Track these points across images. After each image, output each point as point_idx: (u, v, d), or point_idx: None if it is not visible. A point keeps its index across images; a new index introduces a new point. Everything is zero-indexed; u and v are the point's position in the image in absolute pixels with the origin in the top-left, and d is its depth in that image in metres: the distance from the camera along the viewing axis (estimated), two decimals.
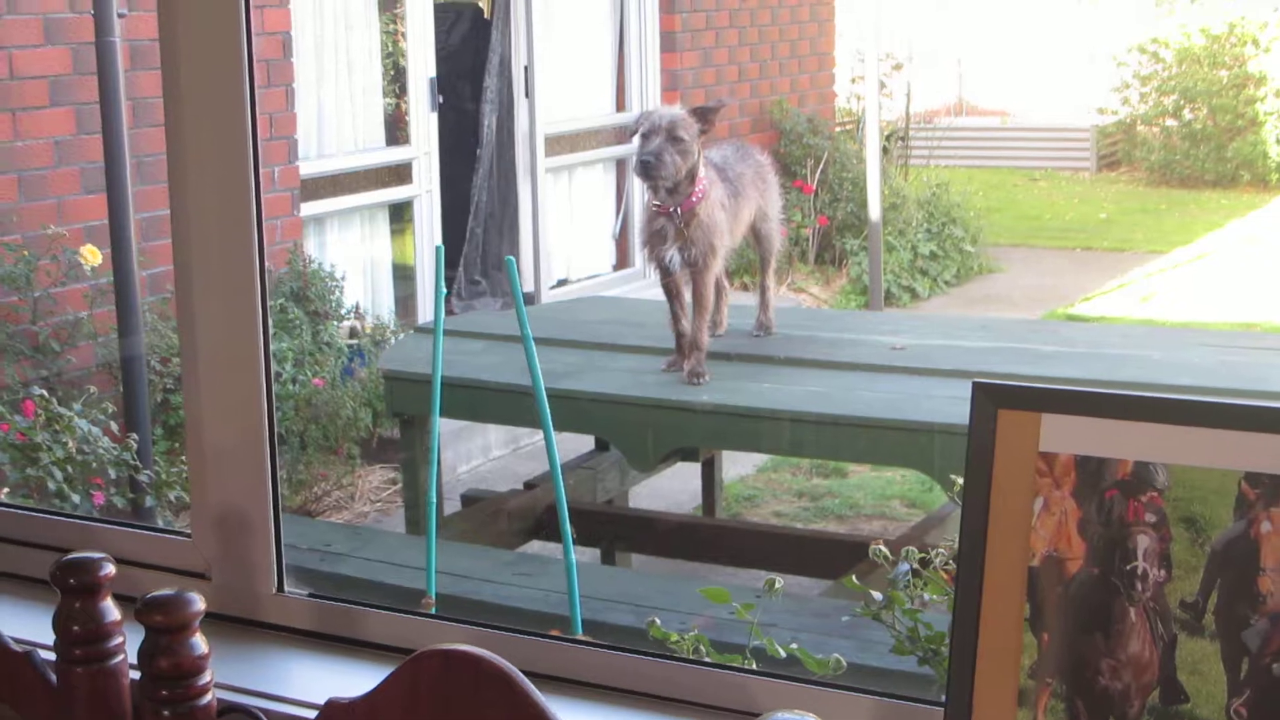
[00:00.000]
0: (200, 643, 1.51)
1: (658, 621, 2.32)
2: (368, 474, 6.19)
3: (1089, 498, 1.36)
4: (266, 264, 1.74)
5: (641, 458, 4.87)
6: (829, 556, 4.67)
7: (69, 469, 3.99)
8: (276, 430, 1.77)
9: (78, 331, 5.62)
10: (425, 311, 7.50)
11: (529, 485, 5.43)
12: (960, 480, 2.45)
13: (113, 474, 4.12)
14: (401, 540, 5.17)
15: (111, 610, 1.58)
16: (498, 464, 6.58)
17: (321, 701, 1.58)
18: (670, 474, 5.92)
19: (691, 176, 4.87)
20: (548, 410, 3.48)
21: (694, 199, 4.89)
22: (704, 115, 4.93)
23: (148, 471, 4.26)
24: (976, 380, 1.39)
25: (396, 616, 1.71)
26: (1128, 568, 1.35)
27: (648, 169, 4.80)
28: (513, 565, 4.46)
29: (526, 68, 8.35)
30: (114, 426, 4.47)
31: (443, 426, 5.26)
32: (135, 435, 4.36)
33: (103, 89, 5.45)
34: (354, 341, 6.31)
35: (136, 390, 5.06)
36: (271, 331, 1.77)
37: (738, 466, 6.36)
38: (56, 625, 1.58)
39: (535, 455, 6.53)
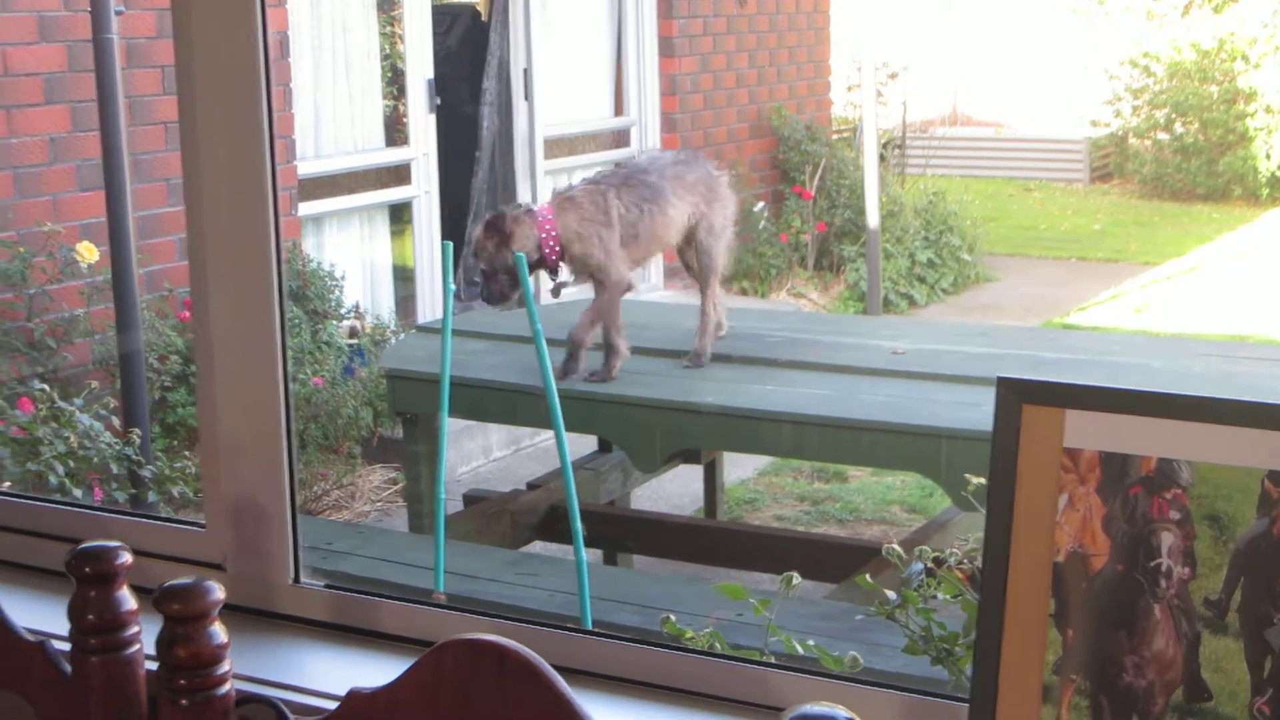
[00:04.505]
0: (219, 632, 1.50)
1: (672, 618, 2.31)
2: (368, 473, 6.18)
3: (1113, 494, 1.36)
4: (283, 256, 1.74)
5: (645, 459, 4.88)
6: (832, 560, 4.67)
7: (70, 464, 3.98)
8: (294, 422, 1.77)
9: (74, 328, 5.61)
10: (425, 312, 7.49)
11: (532, 486, 5.43)
12: (975, 480, 2.46)
13: (115, 469, 4.11)
14: (404, 539, 5.16)
15: (128, 599, 1.57)
16: (499, 465, 6.58)
17: (340, 692, 1.57)
18: (672, 476, 5.92)
19: (508, 272, 5.03)
20: (559, 409, 3.47)
21: (551, 255, 5.13)
22: (495, 229, 5.14)
23: (150, 466, 4.25)
24: (1001, 375, 1.39)
25: (414, 608, 1.71)
26: (1152, 565, 1.35)
27: (490, 302, 5.32)
28: (516, 565, 4.45)
29: (525, 70, 8.36)
30: (115, 422, 4.46)
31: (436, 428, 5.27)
32: (137, 430, 4.35)
33: (100, 86, 5.44)
34: (354, 341, 6.30)
35: (135, 386, 5.05)
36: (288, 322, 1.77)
37: (738, 469, 6.36)
38: (71, 615, 1.57)
39: (536, 457, 6.53)
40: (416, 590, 3.79)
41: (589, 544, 5.04)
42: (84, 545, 1.58)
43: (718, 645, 2.20)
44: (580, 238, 5.14)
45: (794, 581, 2.32)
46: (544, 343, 3.56)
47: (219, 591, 1.49)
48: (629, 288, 5.32)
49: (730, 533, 5.46)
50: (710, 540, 5.27)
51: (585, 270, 5.25)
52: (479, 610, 1.68)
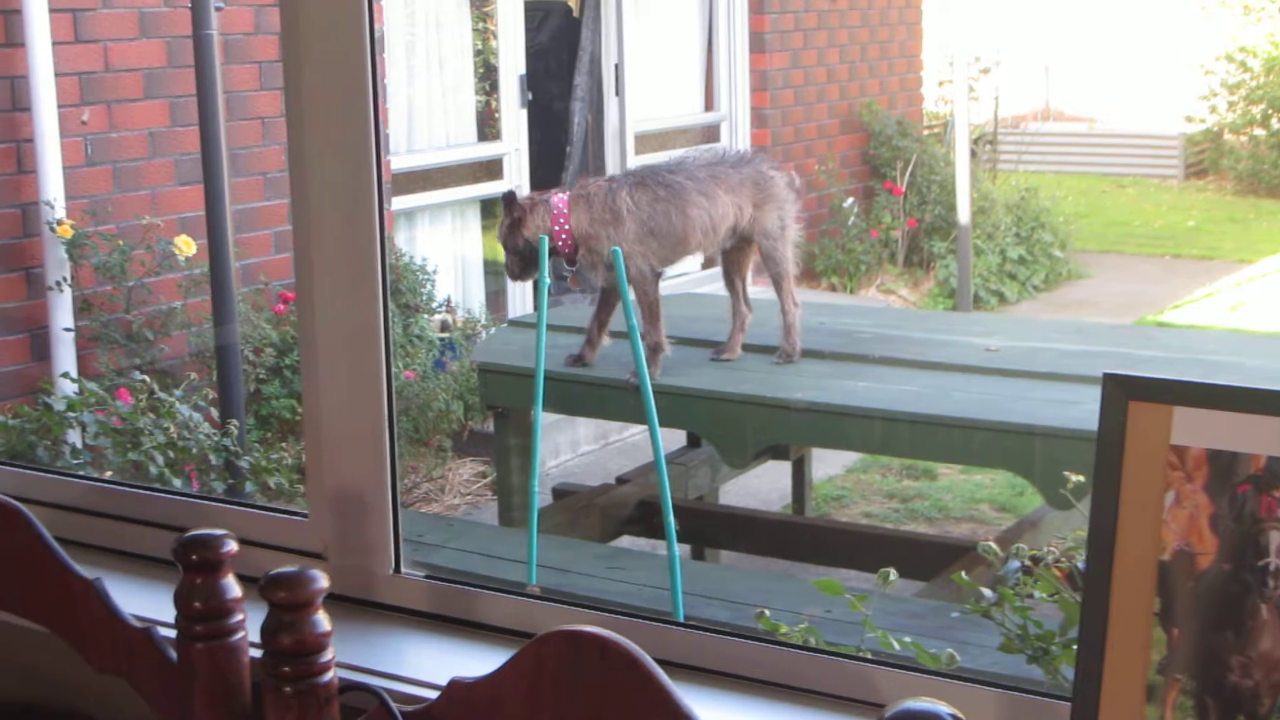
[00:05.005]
0: (323, 620, 1.51)
1: (767, 613, 2.31)
2: (458, 467, 6.22)
3: (1221, 492, 1.34)
4: (387, 249, 1.75)
5: (735, 454, 4.87)
6: (920, 558, 4.64)
7: (170, 454, 4.03)
8: (396, 413, 1.78)
9: (171, 321, 5.67)
10: (515, 306, 7.53)
11: (621, 480, 5.44)
12: (1075, 477, 2.44)
13: (213, 460, 4.15)
14: (494, 532, 5.18)
15: (233, 587, 1.59)
16: (586, 459, 6.59)
17: (439, 681, 1.58)
18: (760, 472, 5.91)
19: (528, 252, 5.08)
20: (653, 404, 3.47)
21: (564, 247, 5.13)
22: (508, 209, 5.19)
23: (247, 457, 4.29)
24: (1108, 371, 1.38)
25: (513, 599, 1.71)
26: (1260, 564, 1.33)
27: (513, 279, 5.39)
28: (606, 559, 4.46)
29: (616, 65, 8.38)
30: (213, 413, 4.51)
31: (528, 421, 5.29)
32: (235, 421, 4.39)
33: (200, 82, 5.52)
34: (445, 335, 6.34)
35: (231, 378, 5.11)
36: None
37: (826, 466, 6.34)
38: (178, 602, 1.59)
39: (624, 451, 6.54)
40: (507, 584, 3.81)
41: (678, 539, 5.06)
42: (191, 533, 1.60)
43: (813, 641, 2.19)
44: (590, 236, 5.16)
45: (891, 578, 2.31)
46: (639, 338, 3.55)
47: (323, 580, 1.51)
48: (657, 278, 5.30)
49: (818, 529, 5.44)
50: (798, 537, 5.26)
51: (602, 268, 5.24)
52: (577, 602, 1.69)
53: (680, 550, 5.23)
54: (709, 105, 9.08)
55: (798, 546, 5.19)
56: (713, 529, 5.33)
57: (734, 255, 5.53)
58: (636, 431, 6.58)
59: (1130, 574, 1.35)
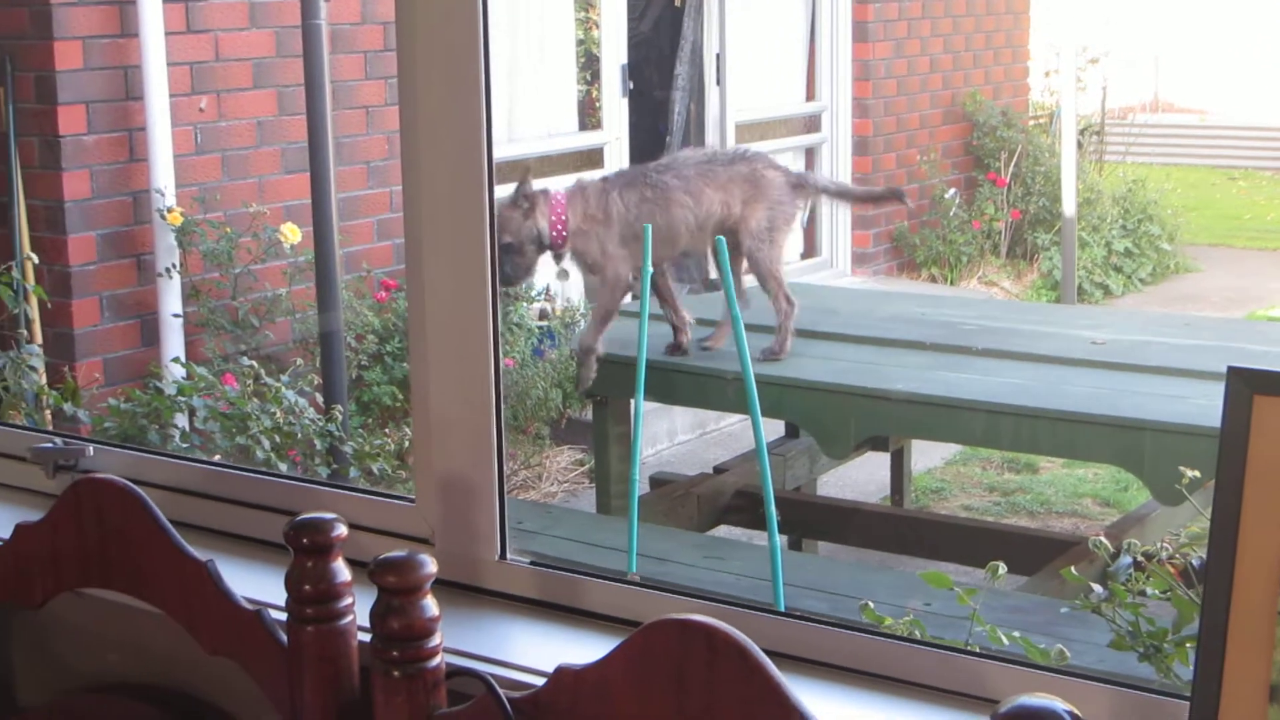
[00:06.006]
0: (431, 605, 1.52)
1: (871, 605, 2.29)
2: (556, 454, 6.24)
3: None
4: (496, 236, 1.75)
5: (836, 445, 4.84)
6: (1022, 552, 4.58)
7: (276, 438, 4.07)
8: (503, 398, 1.78)
9: (276, 307, 5.73)
10: None
11: (719, 470, 5.43)
12: (1190, 472, 2.40)
13: (318, 445, 4.19)
14: (591, 519, 5.19)
15: (343, 571, 1.60)
16: (683, 449, 6.59)
17: (545, 667, 1.58)
18: (858, 464, 5.87)
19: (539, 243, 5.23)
20: (755, 393, 3.46)
21: (558, 240, 5.25)
22: (519, 201, 5.23)
23: (351, 443, 4.33)
24: (1232, 365, 1.35)
25: (619, 587, 1.71)
26: None
27: (506, 283, 5.48)
28: (703, 548, 4.45)
29: (718, 55, 8.36)
30: (318, 398, 4.55)
31: (626, 410, 5.29)
32: (339, 407, 4.43)
33: (308, 72, 5.57)
34: (544, 323, 6.35)
35: (334, 365, 5.15)
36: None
37: (925, 458, 6.29)
38: (289, 585, 1.60)
39: (720, 441, 6.53)
40: (606, 571, 3.81)
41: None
42: (302, 516, 1.61)
43: (918, 634, 2.17)
44: (581, 233, 5.25)
45: (1000, 571, 2.28)
46: (742, 328, 3.54)
47: (432, 565, 1.51)
48: (628, 288, 5.34)
49: (919, 522, 5.39)
50: (898, 529, 5.22)
51: (584, 265, 5.40)
52: (682, 591, 1.68)
53: (779, 541, 5.22)
54: (810, 95, 9.04)
55: (896, 539, 5.15)
56: (811, 519, 5.30)
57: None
58: (733, 421, 6.56)
59: (1253, 572, 1.32)
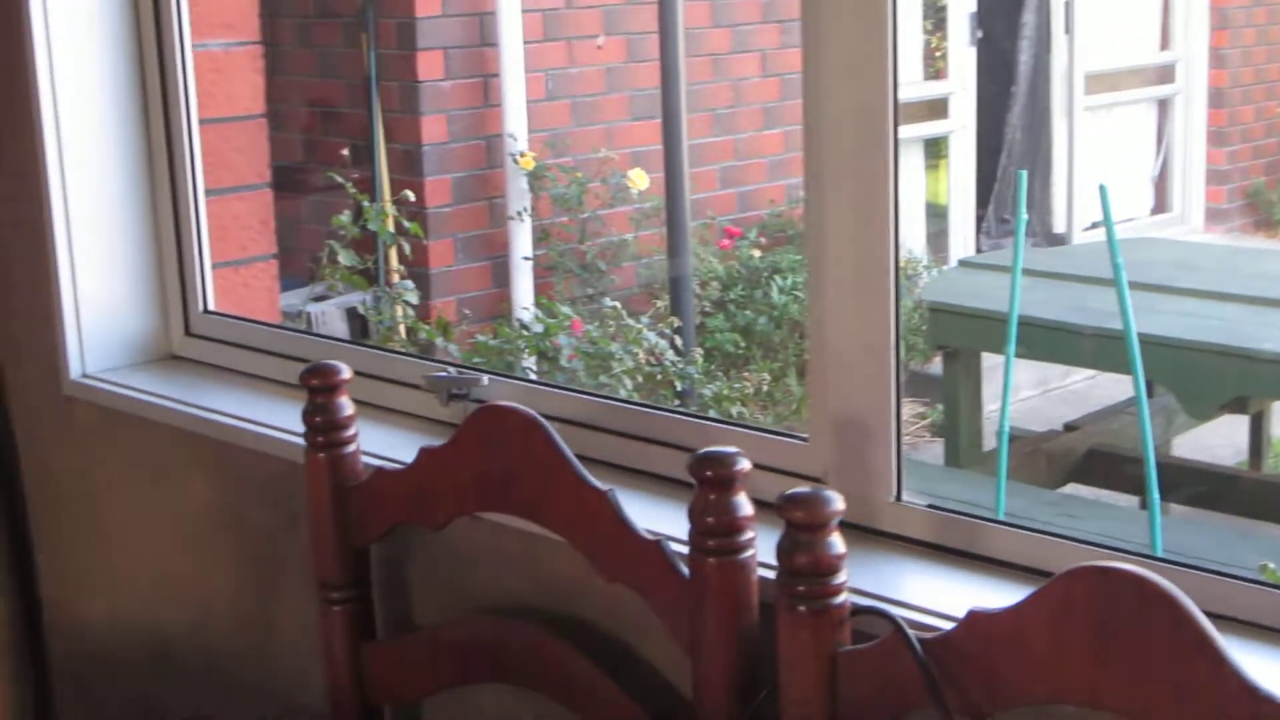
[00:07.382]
0: (837, 541, 1.51)
1: (1271, 565, 2.19)
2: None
3: None
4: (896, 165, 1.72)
5: (1200, 405, 4.66)
6: None
7: (638, 378, 4.14)
8: (901, 336, 1.76)
9: (622, 252, 5.83)
10: (956, 247, 7.41)
11: (1069, 427, 5.29)
12: None
13: (677, 386, 4.24)
14: (941, 472, 5.13)
15: (745, 504, 1.61)
16: (1026, 405, 6.45)
17: (947, 611, 1.57)
18: (1211, 426, 5.65)
19: None
20: (1137, 350, 3.34)
21: None
22: None
23: (711, 385, 4.37)
24: None
25: (1025, 534, 1.67)
26: None
27: None
28: (1055, 505, 4.36)
29: (1067, 3, 8.11)
30: (677, 341, 4.61)
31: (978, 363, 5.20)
32: (699, 349, 4.47)
33: (662, 19, 5.63)
34: None
35: (683, 309, 5.21)
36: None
37: None
38: (691, 517, 1.61)
39: (1065, 399, 6.37)
40: None
41: (1128, 489, 4.90)
42: (706, 450, 1.62)
43: None
44: None
45: None
46: (1124, 279, 3.42)
47: (839, 502, 1.51)
48: None
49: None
50: (1258, 493, 5.00)
51: None
52: (1098, 543, 1.63)
53: (1128, 501, 5.07)
54: (1164, 44, 8.70)
55: (1256, 503, 4.94)
56: (1166, 481, 5.12)
57: None
58: (1079, 378, 6.40)
59: None
